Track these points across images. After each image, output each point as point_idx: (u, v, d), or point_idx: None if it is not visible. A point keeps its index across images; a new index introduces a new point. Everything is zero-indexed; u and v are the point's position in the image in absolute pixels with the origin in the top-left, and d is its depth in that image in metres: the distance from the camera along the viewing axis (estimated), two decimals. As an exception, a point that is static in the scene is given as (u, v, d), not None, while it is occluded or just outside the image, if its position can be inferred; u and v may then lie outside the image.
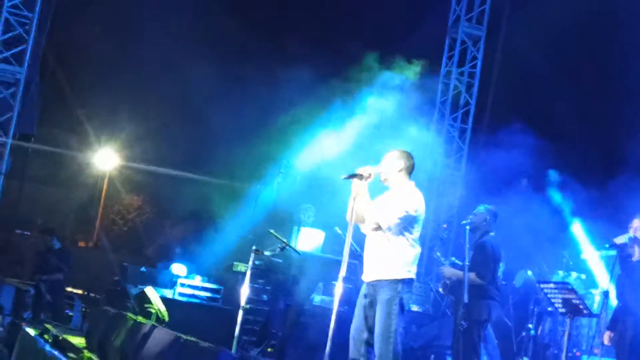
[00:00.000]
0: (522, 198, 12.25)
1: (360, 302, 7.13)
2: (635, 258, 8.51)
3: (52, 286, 12.97)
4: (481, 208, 9.38)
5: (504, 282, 9.66)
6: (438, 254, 11.76)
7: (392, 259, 6.98)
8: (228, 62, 15.16)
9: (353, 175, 6.95)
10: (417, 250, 7.10)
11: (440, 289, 10.02)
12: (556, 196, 12.76)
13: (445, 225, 15.60)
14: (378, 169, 7.11)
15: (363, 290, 7.14)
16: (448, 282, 9.60)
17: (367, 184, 6.96)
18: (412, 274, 7.03)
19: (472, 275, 9.09)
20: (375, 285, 7.02)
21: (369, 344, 7.02)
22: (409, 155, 7.24)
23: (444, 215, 16.53)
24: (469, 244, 9.36)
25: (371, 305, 7.06)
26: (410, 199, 7.06)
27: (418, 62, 13.04)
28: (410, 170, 7.22)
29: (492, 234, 9.34)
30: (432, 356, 11.30)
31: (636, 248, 8.53)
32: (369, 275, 7.12)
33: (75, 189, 31.78)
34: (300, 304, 10.53)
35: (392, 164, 7.18)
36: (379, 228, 7.00)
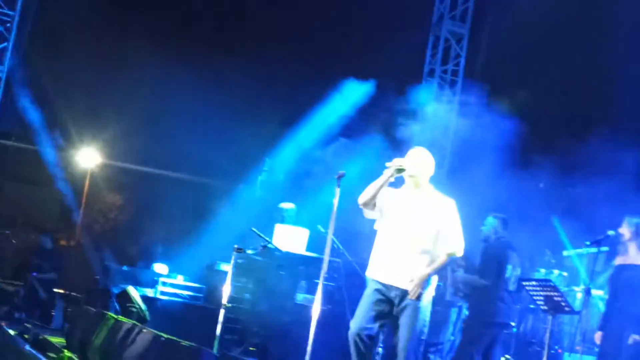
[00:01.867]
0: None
1: (372, 299, 7.00)
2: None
3: (45, 286, 12.77)
4: (490, 219, 9.39)
5: (512, 288, 9.58)
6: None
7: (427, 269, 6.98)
8: (211, 63, 15.09)
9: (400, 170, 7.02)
10: None
11: (449, 295, 10.10)
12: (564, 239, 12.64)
13: None
14: (410, 167, 7.09)
15: (377, 288, 7.01)
16: (462, 287, 9.62)
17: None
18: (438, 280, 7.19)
19: (476, 277, 9.12)
20: (406, 292, 6.95)
21: (371, 338, 6.97)
22: None
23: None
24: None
25: (389, 304, 7.00)
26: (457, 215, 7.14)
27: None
28: None
29: (502, 239, 9.35)
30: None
31: (633, 249, 8.50)
32: (397, 280, 6.98)
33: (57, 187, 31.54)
34: (282, 302, 10.49)
35: (427, 168, 7.15)
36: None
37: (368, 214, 7.19)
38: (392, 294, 6.95)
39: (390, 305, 6.96)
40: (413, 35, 16.53)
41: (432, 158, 7.20)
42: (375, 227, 7.23)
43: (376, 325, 6.93)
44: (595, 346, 8.69)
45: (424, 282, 6.88)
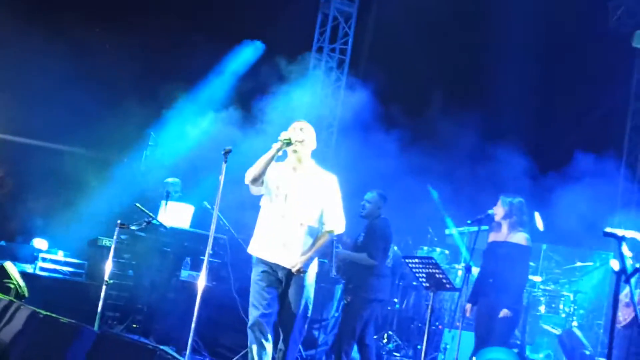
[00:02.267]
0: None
1: (264, 283, 6.97)
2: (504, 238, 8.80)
3: None
4: (372, 194, 9.44)
5: (390, 264, 9.76)
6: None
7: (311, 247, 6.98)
8: (89, 30, 14.67)
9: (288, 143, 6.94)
10: None
11: (334, 272, 10.14)
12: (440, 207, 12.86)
13: None
14: (295, 140, 7.01)
15: (263, 270, 6.99)
16: (342, 264, 9.68)
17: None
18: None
19: (364, 255, 9.17)
20: (291, 271, 6.94)
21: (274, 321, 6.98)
22: None
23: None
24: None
25: (281, 284, 6.98)
26: (339, 191, 7.13)
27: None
28: None
29: (382, 216, 9.45)
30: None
31: (504, 227, 8.80)
32: (283, 259, 6.97)
33: None
34: (166, 279, 10.38)
35: (310, 141, 7.12)
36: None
37: (255, 190, 7.13)
38: (279, 274, 6.96)
39: (279, 284, 6.98)
40: (304, 12, 16.48)
41: (314, 132, 7.20)
42: (261, 203, 7.20)
43: (275, 310, 6.94)
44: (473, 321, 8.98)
45: (308, 260, 6.91)
